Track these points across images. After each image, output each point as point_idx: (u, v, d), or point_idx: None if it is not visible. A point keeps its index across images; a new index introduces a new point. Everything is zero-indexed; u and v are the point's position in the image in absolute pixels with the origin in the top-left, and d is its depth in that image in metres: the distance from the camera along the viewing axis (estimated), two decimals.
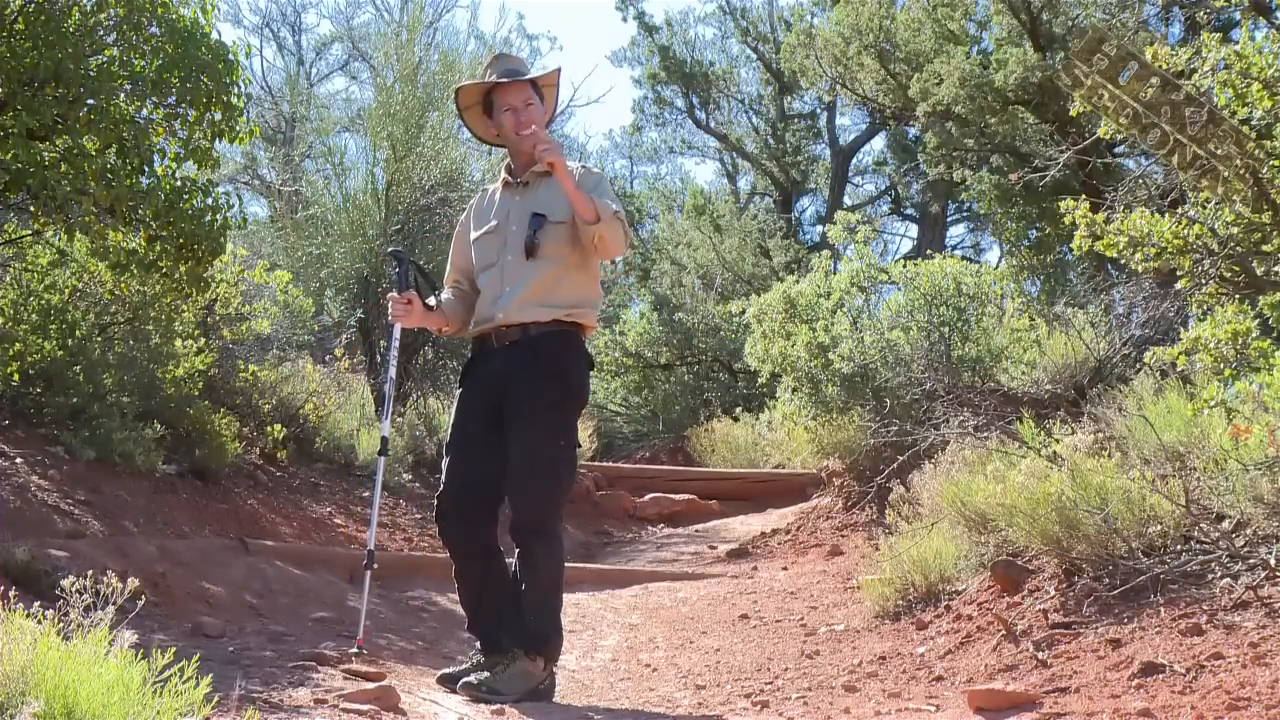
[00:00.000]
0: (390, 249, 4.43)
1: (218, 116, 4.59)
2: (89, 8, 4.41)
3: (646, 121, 22.55)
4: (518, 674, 3.45)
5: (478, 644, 3.68)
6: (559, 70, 3.79)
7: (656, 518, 8.97)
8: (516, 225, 3.62)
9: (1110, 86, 3.77)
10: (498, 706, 3.30)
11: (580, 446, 3.77)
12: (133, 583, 2.22)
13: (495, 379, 3.59)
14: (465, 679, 3.48)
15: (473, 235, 3.76)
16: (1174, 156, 3.76)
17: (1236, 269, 3.91)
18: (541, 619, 3.51)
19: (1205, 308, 3.99)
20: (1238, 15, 4.42)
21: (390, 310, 3.76)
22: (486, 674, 3.47)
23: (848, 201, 20.64)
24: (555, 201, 3.60)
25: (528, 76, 3.72)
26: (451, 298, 3.81)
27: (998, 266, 8.97)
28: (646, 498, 9.19)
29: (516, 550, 3.55)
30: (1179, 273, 4.00)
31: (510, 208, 3.68)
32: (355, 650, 3.84)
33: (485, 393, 3.62)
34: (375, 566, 4.03)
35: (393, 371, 4.06)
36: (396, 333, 4.02)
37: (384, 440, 4.06)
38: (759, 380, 8.58)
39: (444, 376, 9.53)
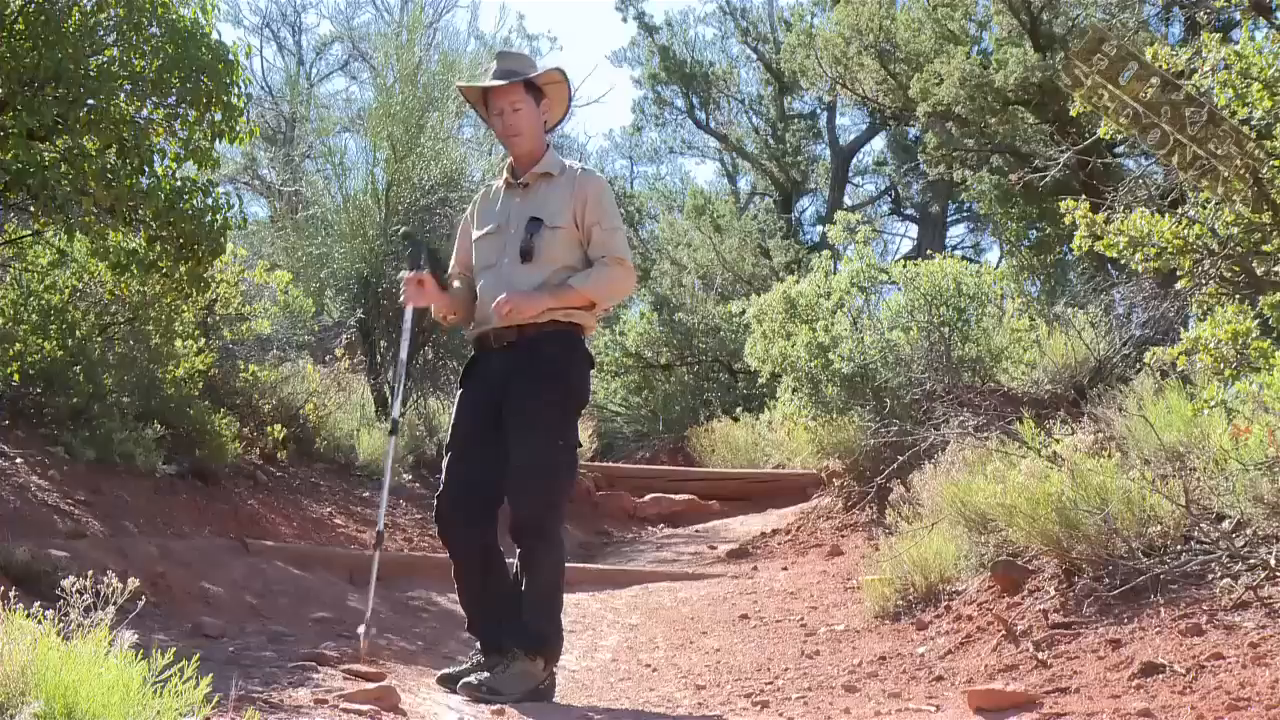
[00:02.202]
0: (403, 229, 4.37)
1: (218, 117, 4.59)
2: (89, 8, 4.40)
3: (646, 121, 22.57)
4: (518, 674, 3.44)
5: (478, 644, 3.68)
6: (559, 69, 3.73)
7: (656, 518, 8.97)
8: (515, 229, 3.61)
9: (1110, 86, 3.77)
10: (498, 707, 3.30)
11: (581, 446, 3.76)
12: (133, 583, 2.22)
13: (494, 379, 3.58)
14: (465, 679, 3.47)
15: (475, 235, 3.76)
16: (1174, 156, 3.76)
17: (1236, 269, 3.91)
18: (542, 619, 3.51)
19: (1205, 308, 3.98)
20: (1238, 15, 4.42)
21: (403, 290, 3.72)
22: (486, 674, 3.47)
23: (848, 201, 20.64)
24: (553, 206, 3.59)
25: (519, 78, 3.64)
26: (461, 287, 3.79)
27: (998, 266, 8.97)
28: (647, 498, 9.19)
29: (517, 551, 3.55)
30: (1179, 273, 4.00)
31: (511, 209, 3.67)
32: (363, 630, 3.74)
33: (484, 393, 3.61)
34: (385, 547, 3.98)
35: (404, 354, 4.01)
36: (408, 315, 3.96)
37: (395, 422, 3.99)
38: (759, 380, 8.58)
39: (444, 376, 9.52)
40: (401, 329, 4.03)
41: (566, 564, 3.73)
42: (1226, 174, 3.69)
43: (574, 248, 3.60)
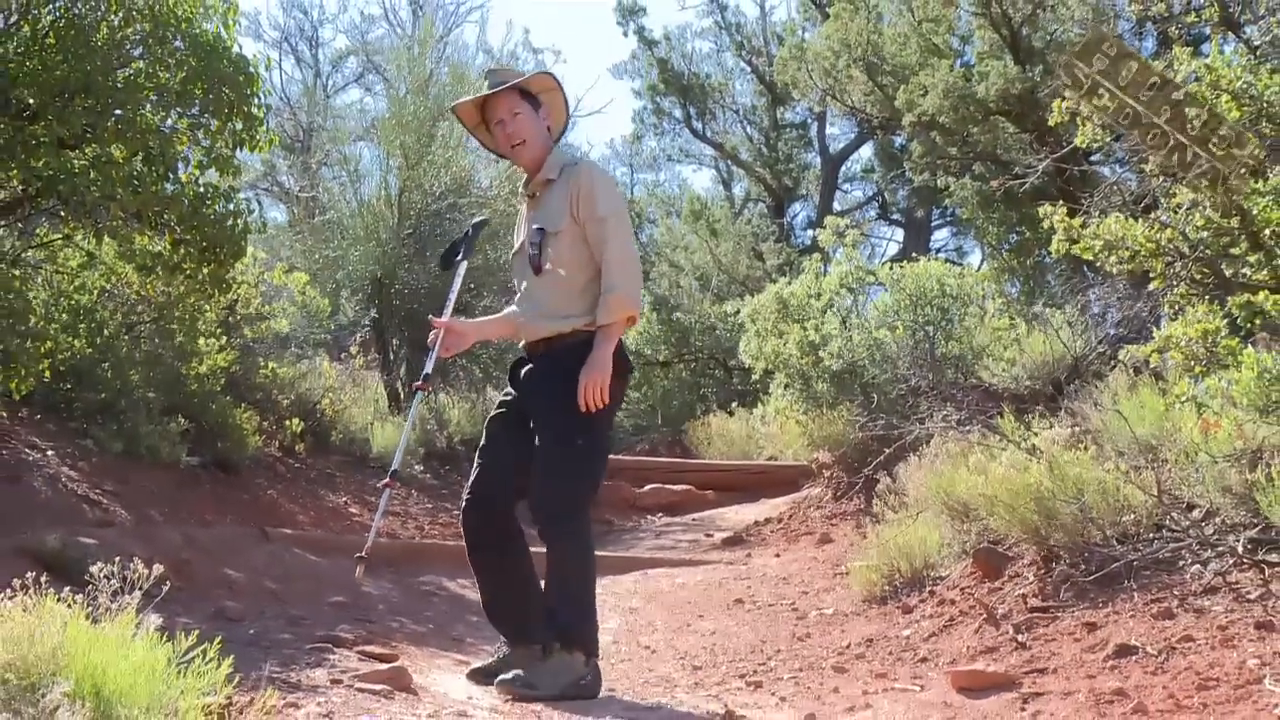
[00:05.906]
0: (477, 218, 4.10)
1: (239, 126, 4.58)
2: (117, 23, 4.40)
3: (646, 131, 22.58)
4: (555, 668, 3.20)
5: (501, 637, 3.52)
6: (550, 74, 3.55)
7: (655, 507, 8.96)
8: (528, 242, 3.48)
9: (1110, 86, 3.75)
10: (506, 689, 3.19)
11: (609, 445, 3.60)
12: (158, 569, 2.21)
13: (525, 382, 3.48)
14: (501, 676, 3.25)
15: (512, 252, 3.67)
16: (1151, 159, 3.75)
17: (1206, 271, 3.91)
18: (570, 609, 3.27)
19: (1176, 308, 3.98)
20: (1208, 30, 4.41)
21: (439, 341, 3.55)
22: (521, 671, 3.24)
23: (837, 207, 20.61)
24: (554, 210, 3.43)
25: (510, 83, 3.45)
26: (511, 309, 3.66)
27: (980, 269, 8.97)
28: (646, 488, 9.18)
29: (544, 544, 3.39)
30: (1151, 275, 4.00)
31: (526, 223, 3.55)
32: (360, 555, 3.51)
33: (515, 395, 3.51)
34: (398, 484, 3.79)
35: (447, 314, 3.74)
36: (457, 280, 3.83)
37: (426, 377, 3.73)
38: (753, 377, 8.57)
39: (454, 373, 9.53)
40: (449, 293, 3.81)
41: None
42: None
43: (580, 246, 3.41)
